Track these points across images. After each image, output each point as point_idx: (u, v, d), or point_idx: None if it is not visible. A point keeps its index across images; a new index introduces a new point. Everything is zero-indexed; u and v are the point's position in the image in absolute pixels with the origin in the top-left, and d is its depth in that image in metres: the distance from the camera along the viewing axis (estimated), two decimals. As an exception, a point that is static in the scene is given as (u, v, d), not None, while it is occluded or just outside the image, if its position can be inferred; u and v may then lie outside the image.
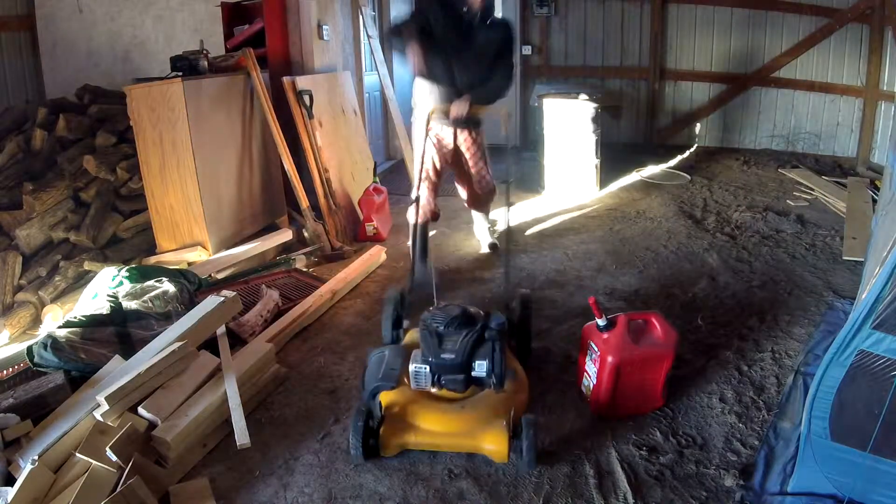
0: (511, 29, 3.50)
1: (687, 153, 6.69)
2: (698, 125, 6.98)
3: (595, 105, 5.28)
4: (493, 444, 2.03)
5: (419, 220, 3.43)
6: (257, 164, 4.20)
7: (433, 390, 2.18)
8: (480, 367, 2.14)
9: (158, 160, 3.55)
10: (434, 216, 3.78)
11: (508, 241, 3.30)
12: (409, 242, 3.67)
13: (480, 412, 2.11)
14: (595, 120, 5.28)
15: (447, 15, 3.25)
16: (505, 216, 3.36)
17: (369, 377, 2.22)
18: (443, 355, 2.13)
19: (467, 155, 3.62)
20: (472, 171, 3.68)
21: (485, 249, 4.06)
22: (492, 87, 3.39)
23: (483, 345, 2.16)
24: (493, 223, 4.28)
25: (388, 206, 4.60)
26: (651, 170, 6.05)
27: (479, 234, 4.17)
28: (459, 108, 3.27)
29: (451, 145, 3.57)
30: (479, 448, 2.07)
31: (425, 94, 3.44)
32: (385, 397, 2.16)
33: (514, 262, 3.76)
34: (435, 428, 2.10)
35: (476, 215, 4.12)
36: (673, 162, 6.32)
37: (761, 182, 5.55)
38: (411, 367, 2.16)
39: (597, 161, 5.37)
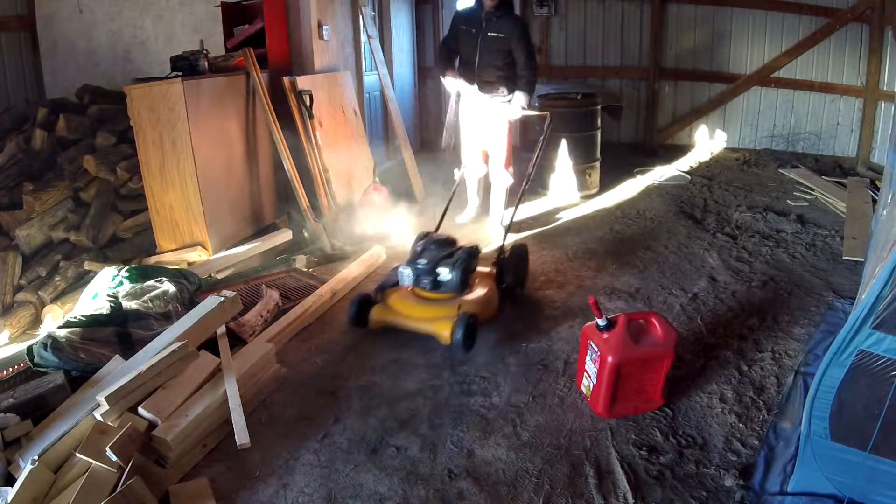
0: (516, 23, 4.08)
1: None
2: (705, 129, 6.94)
3: (596, 105, 5.27)
4: (440, 329, 2.69)
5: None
6: (257, 164, 4.20)
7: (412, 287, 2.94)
8: (443, 274, 2.86)
9: (158, 160, 3.55)
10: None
11: (519, 197, 3.64)
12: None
13: (439, 308, 2.81)
14: (596, 120, 5.28)
15: (469, 15, 4.14)
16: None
17: (383, 279, 3.11)
18: (419, 262, 2.90)
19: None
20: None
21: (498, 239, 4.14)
22: (524, 77, 4.09)
23: (450, 259, 2.88)
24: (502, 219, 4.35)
25: (388, 206, 4.59)
26: (651, 169, 6.04)
27: (491, 226, 4.24)
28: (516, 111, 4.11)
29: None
30: (432, 331, 2.73)
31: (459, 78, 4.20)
32: (386, 293, 2.96)
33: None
34: (407, 313, 2.83)
35: (493, 204, 4.25)
36: (679, 163, 6.30)
37: (761, 182, 5.54)
38: (399, 269, 2.95)
39: (597, 161, 5.36)
